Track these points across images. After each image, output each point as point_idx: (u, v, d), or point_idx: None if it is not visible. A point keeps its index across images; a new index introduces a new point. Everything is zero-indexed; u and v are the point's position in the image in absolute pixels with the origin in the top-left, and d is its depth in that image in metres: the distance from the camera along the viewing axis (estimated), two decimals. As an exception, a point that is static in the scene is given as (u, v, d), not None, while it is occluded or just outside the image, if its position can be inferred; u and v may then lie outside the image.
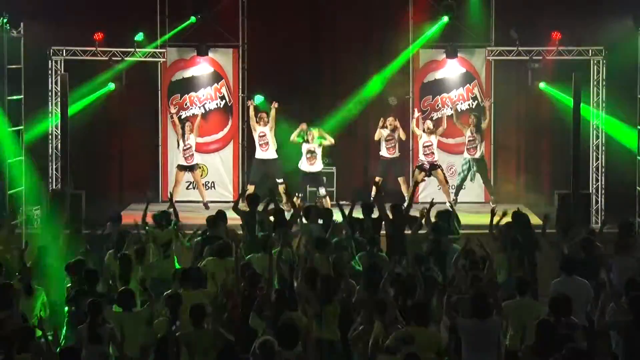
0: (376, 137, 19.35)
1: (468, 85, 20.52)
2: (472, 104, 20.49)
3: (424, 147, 18.75)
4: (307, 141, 18.83)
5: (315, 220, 14.33)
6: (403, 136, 19.28)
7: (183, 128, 19.39)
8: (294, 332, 9.17)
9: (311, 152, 18.82)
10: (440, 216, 14.05)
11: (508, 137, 20.72)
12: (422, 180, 19.27)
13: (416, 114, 19.76)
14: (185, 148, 19.36)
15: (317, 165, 18.98)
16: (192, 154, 19.44)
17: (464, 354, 9.94)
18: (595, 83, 19.96)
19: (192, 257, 13.84)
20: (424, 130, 19.11)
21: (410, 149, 20.19)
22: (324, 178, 19.20)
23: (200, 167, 20.09)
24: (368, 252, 13.13)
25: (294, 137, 19.03)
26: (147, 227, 14.20)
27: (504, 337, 10.37)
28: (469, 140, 19.43)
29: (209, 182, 20.57)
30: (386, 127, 19.30)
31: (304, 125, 18.97)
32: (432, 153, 18.72)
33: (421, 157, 18.82)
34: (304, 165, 18.91)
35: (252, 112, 19.42)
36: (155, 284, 12.32)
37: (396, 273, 11.63)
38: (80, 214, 18.38)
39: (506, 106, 20.58)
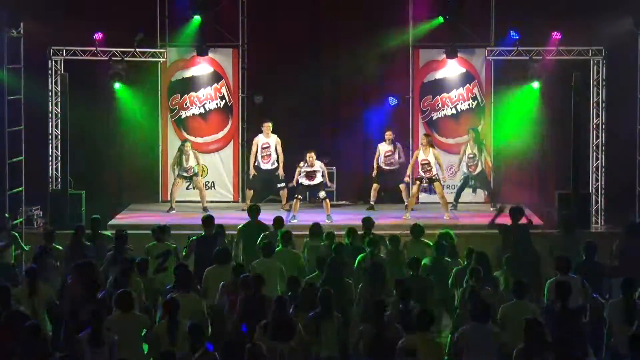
0: (376, 158, 19.46)
1: (468, 85, 20.51)
2: (472, 104, 20.48)
3: (422, 164, 18.61)
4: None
5: (318, 237, 14.35)
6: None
7: (181, 150, 19.23)
8: (290, 327, 9.25)
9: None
10: (442, 236, 14.05)
11: (508, 137, 20.70)
12: (419, 191, 19.15)
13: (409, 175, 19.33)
14: (187, 168, 19.25)
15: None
16: (192, 169, 19.37)
17: (465, 358, 9.98)
18: (595, 83, 19.96)
19: (186, 254, 13.90)
20: (421, 143, 18.93)
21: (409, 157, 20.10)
22: (323, 181, 19.04)
23: (199, 172, 19.99)
24: (369, 252, 13.21)
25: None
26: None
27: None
28: (469, 157, 19.43)
29: (209, 182, 20.56)
30: (385, 142, 19.37)
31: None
32: (430, 170, 18.59)
33: (420, 172, 18.73)
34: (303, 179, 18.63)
35: (254, 148, 19.32)
36: (152, 296, 12.41)
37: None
38: (80, 214, 18.44)
39: (506, 106, 20.56)
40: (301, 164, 18.28)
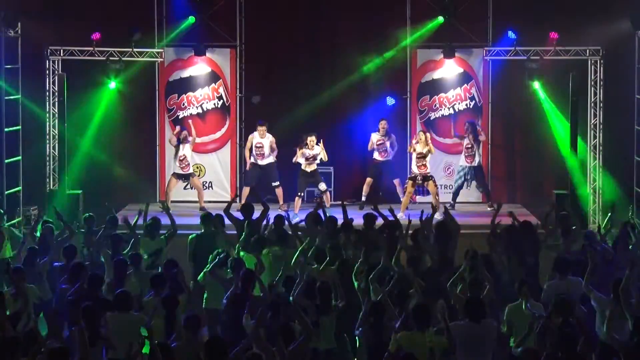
0: (370, 147, 19.45)
1: (465, 85, 20.51)
2: (470, 104, 20.48)
3: (417, 157, 18.63)
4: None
5: (317, 227, 14.31)
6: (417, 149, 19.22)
7: (178, 140, 19.30)
8: (289, 332, 9.28)
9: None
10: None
11: (505, 137, 20.74)
12: (413, 189, 19.08)
13: (414, 140, 19.12)
14: (180, 159, 19.28)
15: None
16: (188, 164, 19.35)
17: (459, 357, 9.94)
18: (592, 83, 19.98)
19: (188, 253, 13.90)
20: (414, 150, 18.90)
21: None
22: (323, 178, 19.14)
23: (197, 172, 20.01)
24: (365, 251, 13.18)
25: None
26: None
27: (508, 340, 10.45)
28: (466, 148, 19.45)
29: (206, 182, 20.55)
30: (378, 132, 19.36)
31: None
32: (425, 165, 18.61)
33: (414, 169, 18.74)
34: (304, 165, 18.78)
35: (248, 144, 19.35)
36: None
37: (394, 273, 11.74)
38: (79, 214, 18.42)
39: (504, 106, 20.59)
40: (302, 147, 18.48)
